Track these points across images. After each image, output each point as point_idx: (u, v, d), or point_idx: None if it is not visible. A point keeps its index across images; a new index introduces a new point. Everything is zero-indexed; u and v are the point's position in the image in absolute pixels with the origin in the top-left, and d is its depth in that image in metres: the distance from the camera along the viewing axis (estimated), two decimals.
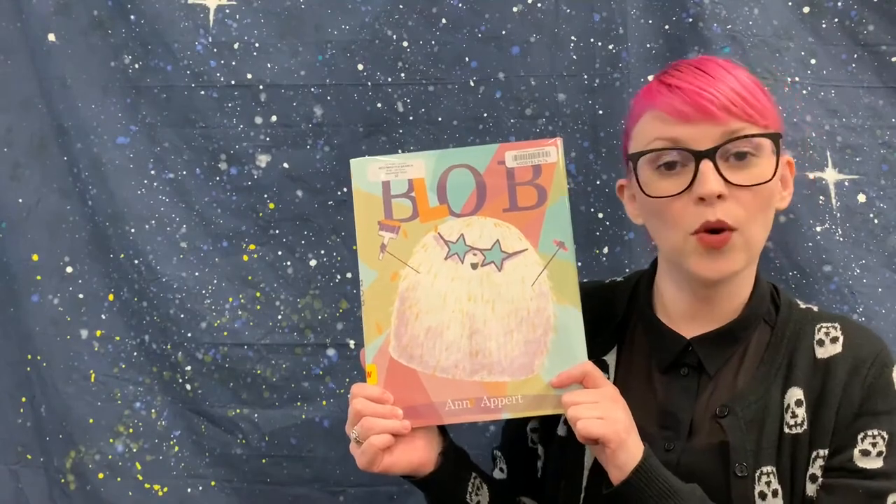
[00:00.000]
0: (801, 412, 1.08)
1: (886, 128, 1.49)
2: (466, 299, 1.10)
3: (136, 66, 1.54)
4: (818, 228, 1.48)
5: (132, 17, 1.53)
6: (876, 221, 1.48)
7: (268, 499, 1.55)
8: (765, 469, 1.07)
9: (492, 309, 1.10)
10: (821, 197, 1.48)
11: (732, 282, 1.11)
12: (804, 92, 1.48)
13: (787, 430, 1.08)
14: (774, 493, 1.07)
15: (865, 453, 1.06)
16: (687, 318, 1.15)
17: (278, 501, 1.55)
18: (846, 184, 1.49)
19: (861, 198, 1.49)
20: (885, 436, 1.06)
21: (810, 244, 1.47)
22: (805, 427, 1.08)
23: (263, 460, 1.55)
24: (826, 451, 1.07)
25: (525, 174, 1.11)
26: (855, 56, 1.49)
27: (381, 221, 1.11)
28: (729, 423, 1.09)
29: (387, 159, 1.13)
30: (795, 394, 1.09)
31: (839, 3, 1.48)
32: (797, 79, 1.48)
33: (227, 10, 1.53)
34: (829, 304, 1.46)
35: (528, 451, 1.24)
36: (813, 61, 1.49)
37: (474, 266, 1.10)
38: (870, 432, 1.06)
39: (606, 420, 1.03)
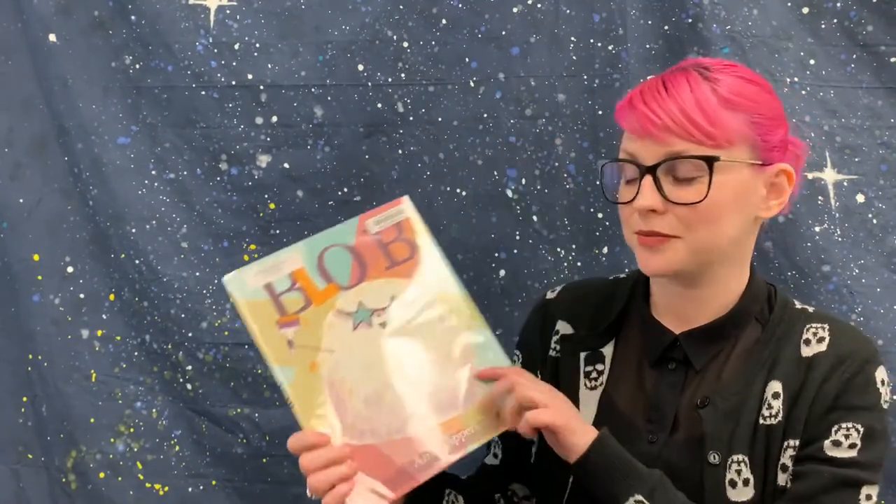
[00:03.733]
0: (776, 404, 1.09)
1: (885, 128, 1.49)
2: (389, 358, 1.10)
3: (137, 66, 1.54)
4: (817, 228, 1.48)
5: (133, 17, 1.53)
6: (875, 221, 1.49)
7: (268, 498, 1.56)
8: (736, 457, 1.08)
9: (414, 358, 1.11)
10: (820, 197, 1.49)
11: (713, 282, 1.13)
12: (803, 92, 1.48)
13: (762, 420, 1.09)
14: (745, 482, 1.08)
15: (836, 444, 1.06)
16: (676, 313, 1.16)
17: (279, 500, 1.55)
18: (845, 184, 1.49)
19: (860, 198, 1.49)
20: (861, 429, 1.07)
21: (809, 244, 1.48)
22: (780, 419, 1.09)
23: (264, 459, 1.55)
24: (797, 442, 1.08)
25: (390, 234, 1.14)
26: (854, 56, 1.49)
27: (278, 321, 1.08)
28: (707, 413, 1.10)
29: (259, 264, 1.10)
30: (774, 387, 1.10)
31: (838, 4, 1.48)
32: (796, 79, 1.48)
33: (228, 11, 1.53)
34: (828, 303, 1.47)
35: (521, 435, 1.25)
36: (812, 62, 1.49)
37: (383, 325, 1.11)
38: (843, 425, 1.07)
39: (553, 408, 1.07)
